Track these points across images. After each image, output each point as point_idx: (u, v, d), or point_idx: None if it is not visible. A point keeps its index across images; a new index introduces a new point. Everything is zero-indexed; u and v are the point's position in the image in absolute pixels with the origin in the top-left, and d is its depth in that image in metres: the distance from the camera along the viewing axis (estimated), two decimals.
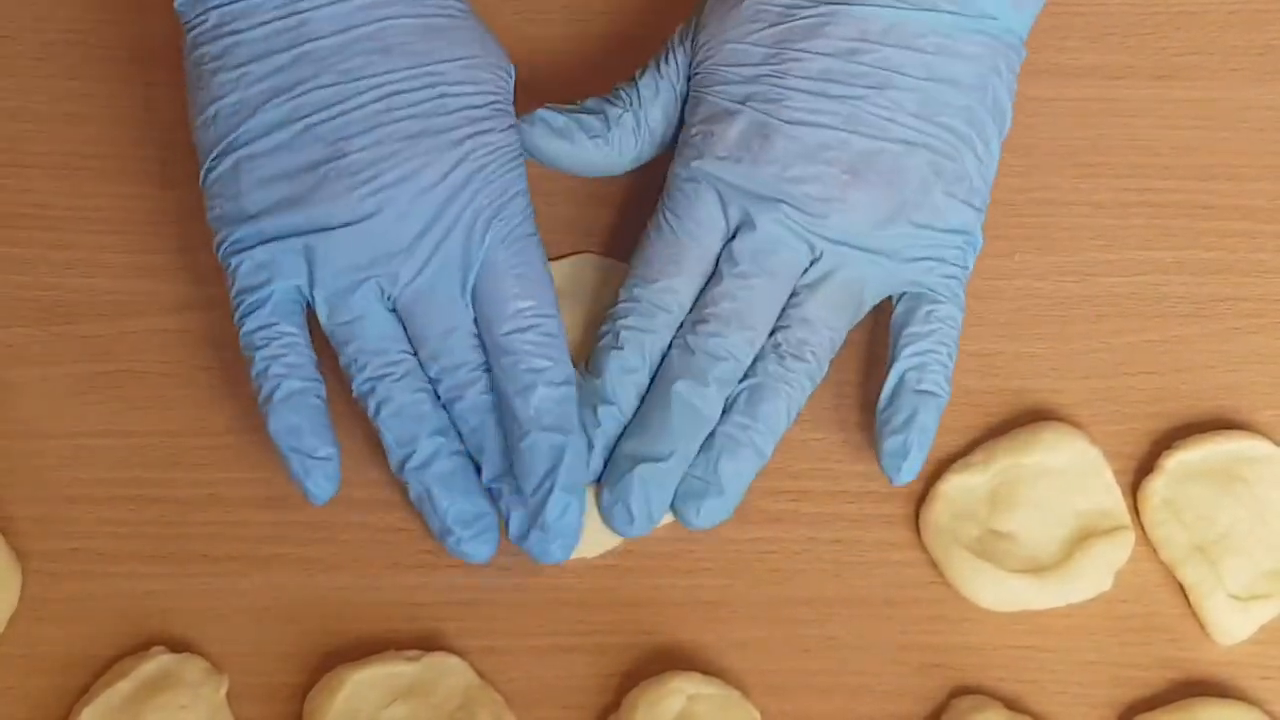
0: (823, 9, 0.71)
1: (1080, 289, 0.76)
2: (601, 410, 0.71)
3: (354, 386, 0.71)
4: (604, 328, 0.72)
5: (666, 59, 0.74)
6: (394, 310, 0.71)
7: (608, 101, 0.74)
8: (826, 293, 0.71)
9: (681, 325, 0.72)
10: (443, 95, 0.70)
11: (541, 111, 0.73)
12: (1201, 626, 0.71)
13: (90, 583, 0.71)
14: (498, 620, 0.71)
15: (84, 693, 0.69)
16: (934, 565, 0.72)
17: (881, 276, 0.72)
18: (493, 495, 0.71)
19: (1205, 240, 0.77)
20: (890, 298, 0.73)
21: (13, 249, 0.76)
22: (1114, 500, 0.73)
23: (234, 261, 0.71)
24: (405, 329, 0.71)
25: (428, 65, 0.70)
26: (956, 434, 0.74)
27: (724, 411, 0.71)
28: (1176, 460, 0.73)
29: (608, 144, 0.73)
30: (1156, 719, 0.69)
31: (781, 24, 0.72)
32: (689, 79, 0.74)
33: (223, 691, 0.69)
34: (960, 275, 0.72)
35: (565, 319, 0.74)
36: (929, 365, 0.71)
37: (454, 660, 0.70)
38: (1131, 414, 0.75)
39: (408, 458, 0.70)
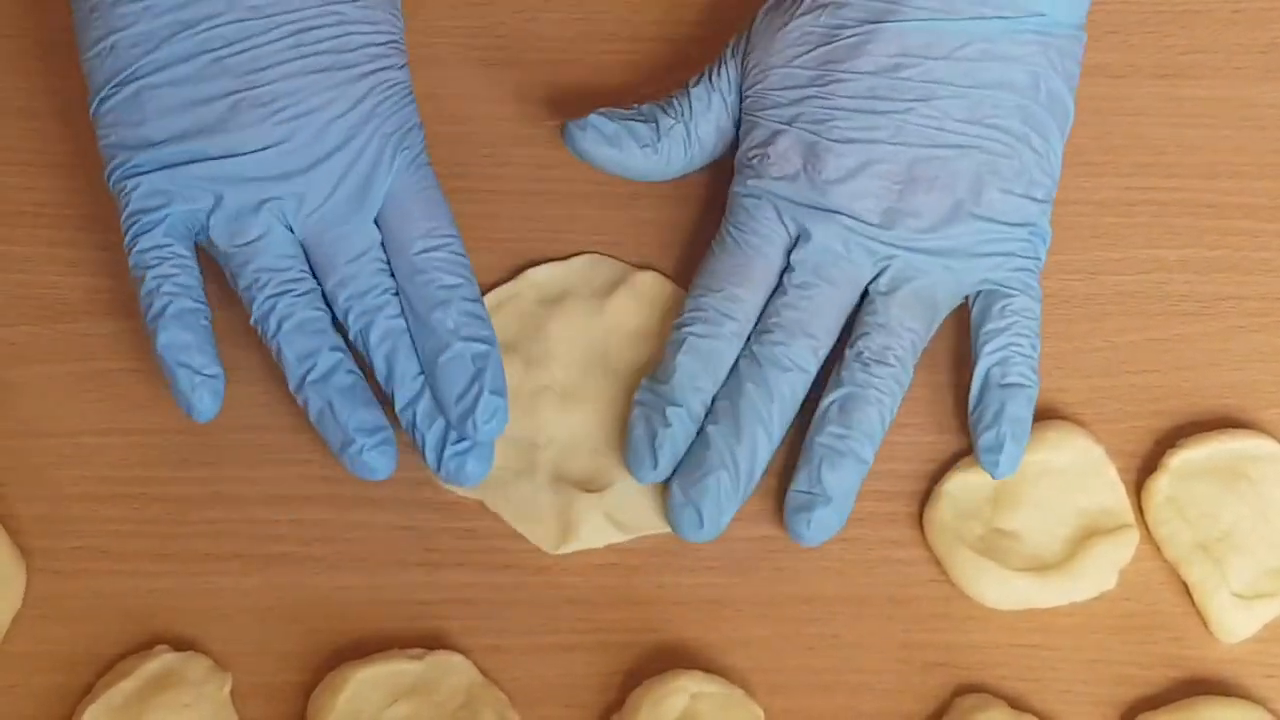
0: (865, 28, 0.71)
1: (1084, 287, 0.76)
2: (670, 412, 0.71)
3: (254, 310, 0.71)
4: (671, 337, 0.72)
5: (719, 71, 0.74)
6: (297, 239, 0.72)
7: (661, 110, 0.74)
8: (901, 298, 0.71)
9: (749, 338, 0.72)
10: (348, 33, 0.72)
11: (594, 117, 0.73)
12: (1205, 625, 0.71)
13: (94, 581, 0.71)
14: (501, 619, 0.71)
15: (88, 691, 0.69)
16: (937, 564, 0.72)
17: (952, 278, 0.72)
18: (405, 422, 0.71)
19: (1209, 239, 0.77)
20: (966, 299, 0.73)
21: (14, 247, 0.76)
22: (1117, 499, 0.73)
23: (128, 185, 0.72)
24: (310, 260, 0.72)
25: (332, 5, 0.72)
26: (960, 433, 0.74)
27: (818, 425, 0.71)
28: (1180, 458, 0.73)
29: (656, 154, 0.74)
30: (1160, 717, 0.69)
31: (826, 45, 0.72)
32: (741, 98, 0.74)
33: (226, 690, 0.69)
34: (1032, 267, 0.73)
35: (571, 318, 0.75)
36: (1011, 359, 0.71)
37: (457, 659, 0.70)
38: (1135, 412, 0.75)
39: (308, 372, 0.71)
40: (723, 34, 0.78)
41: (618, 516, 0.72)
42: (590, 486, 0.72)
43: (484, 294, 0.75)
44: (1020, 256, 0.72)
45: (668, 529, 0.71)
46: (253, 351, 0.74)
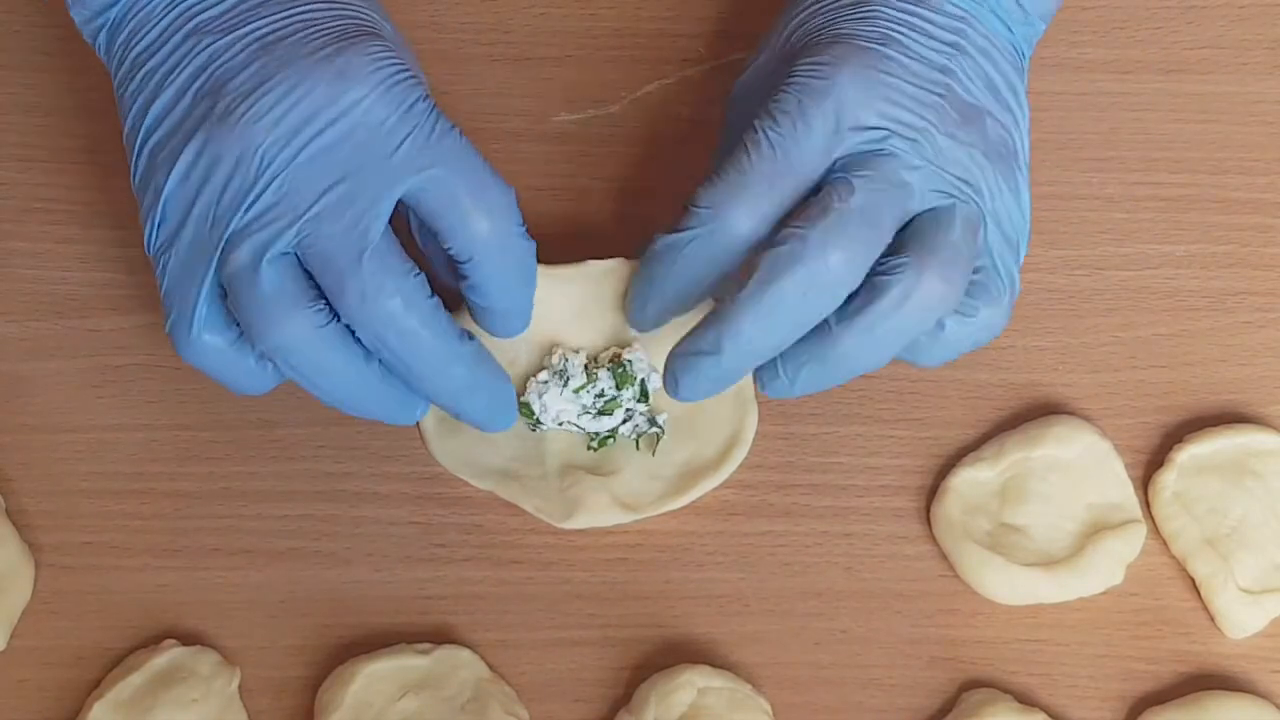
0: None
1: (1091, 283, 0.76)
2: None
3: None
4: None
5: None
6: None
7: None
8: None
9: None
10: None
11: None
12: (1212, 620, 0.71)
13: (103, 576, 0.71)
14: (509, 614, 0.71)
15: (96, 686, 0.69)
16: (945, 559, 0.72)
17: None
18: None
19: (1216, 234, 0.77)
20: None
21: (25, 243, 0.76)
22: (1125, 494, 0.73)
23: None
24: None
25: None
26: (967, 428, 0.74)
27: None
28: (1187, 454, 0.73)
29: None
30: (1167, 712, 0.69)
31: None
32: None
33: (234, 684, 0.69)
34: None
35: (582, 319, 0.75)
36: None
37: (465, 653, 0.70)
38: (1142, 407, 0.75)
39: None
40: (730, 26, 0.78)
41: (624, 499, 0.72)
42: (597, 473, 0.73)
43: None
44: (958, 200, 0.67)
45: (673, 510, 0.72)
46: None
